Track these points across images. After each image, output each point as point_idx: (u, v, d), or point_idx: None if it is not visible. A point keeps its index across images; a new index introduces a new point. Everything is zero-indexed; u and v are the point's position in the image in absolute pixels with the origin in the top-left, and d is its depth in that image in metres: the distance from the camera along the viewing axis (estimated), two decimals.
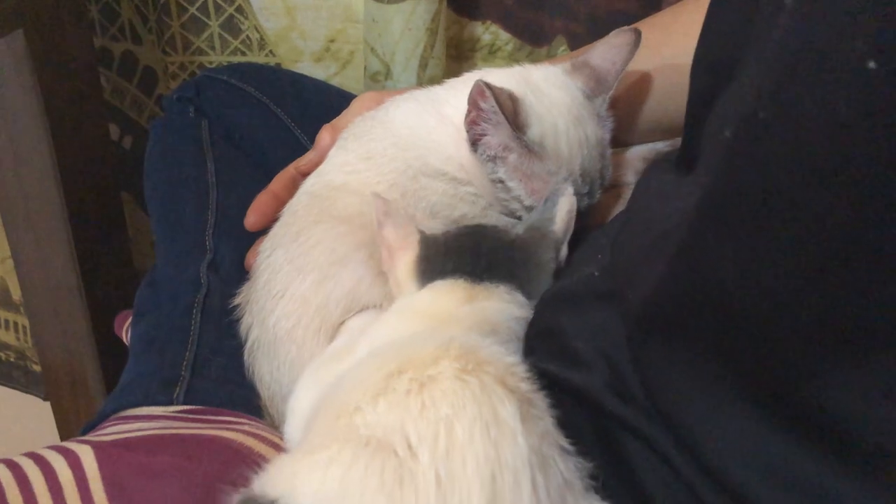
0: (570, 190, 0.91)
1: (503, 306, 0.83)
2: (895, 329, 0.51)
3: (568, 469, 0.64)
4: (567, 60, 1.06)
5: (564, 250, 0.90)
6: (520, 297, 0.85)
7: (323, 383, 0.77)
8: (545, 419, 0.66)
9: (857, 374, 0.53)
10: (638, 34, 1.01)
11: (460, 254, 0.85)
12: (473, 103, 0.93)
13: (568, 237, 0.90)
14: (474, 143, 0.96)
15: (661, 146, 1.13)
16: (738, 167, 0.56)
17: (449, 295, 0.82)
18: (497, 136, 0.94)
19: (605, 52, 1.02)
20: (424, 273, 0.84)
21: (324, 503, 0.59)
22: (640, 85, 1.09)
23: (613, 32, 1.03)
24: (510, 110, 0.92)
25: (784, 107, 0.52)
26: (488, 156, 0.95)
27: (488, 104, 0.92)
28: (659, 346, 0.69)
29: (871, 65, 0.46)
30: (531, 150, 0.95)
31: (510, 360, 0.68)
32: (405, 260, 0.85)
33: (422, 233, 0.87)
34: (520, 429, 0.62)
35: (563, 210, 0.90)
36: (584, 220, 1.00)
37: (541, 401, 0.67)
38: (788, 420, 0.58)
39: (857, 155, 0.48)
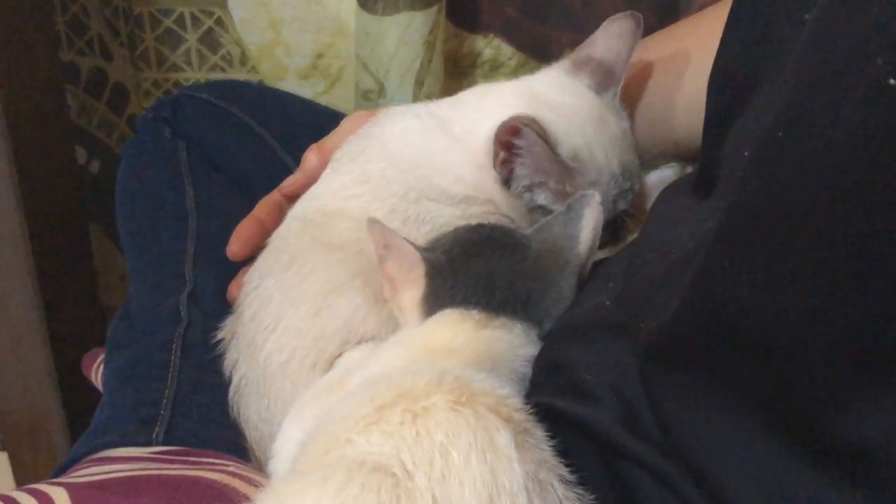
0: (597, 198, 0.91)
1: (512, 341, 0.86)
2: None
3: (568, 498, 0.69)
4: (564, 58, 1.09)
5: (588, 267, 0.92)
6: (534, 336, 0.88)
7: (312, 418, 0.80)
8: (542, 448, 0.70)
9: (886, 402, 0.55)
10: (637, 19, 1.04)
11: (473, 282, 0.87)
12: (504, 143, 0.96)
13: (593, 256, 0.92)
14: (507, 181, 0.99)
15: (669, 172, 1.16)
16: (757, 188, 0.59)
17: (454, 326, 0.85)
18: (531, 166, 0.98)
19: (607, 42, 1.05)
20: (432, 308, 0.87)
21: None
22: (657, 103, 1.12)
23: (609, 20, 1.06)
24: (546, 138, 0.96)
25: (803, 125, 0.55)
26: (524, 187, 0.99)
27: (527, 140, 0.95)
28: (674, 379, 0.71)
29: (892, 82, 0.49)
30: (570, 168, 0.98)
31: (503, 392, 0.72)
32: (410, 296, 0.88)
33: (427, 263, 0.88)
34: (515, 456, 0.66)
35: (589, 227, 0.91)
36: (631, 226, 1.06)
37: (537, 431, 0.71)
38: (815, 454, 0.61)
39: (877, 174, 0.51)
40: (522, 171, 0.98)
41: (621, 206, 1.04)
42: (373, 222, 0.89)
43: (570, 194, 0.98)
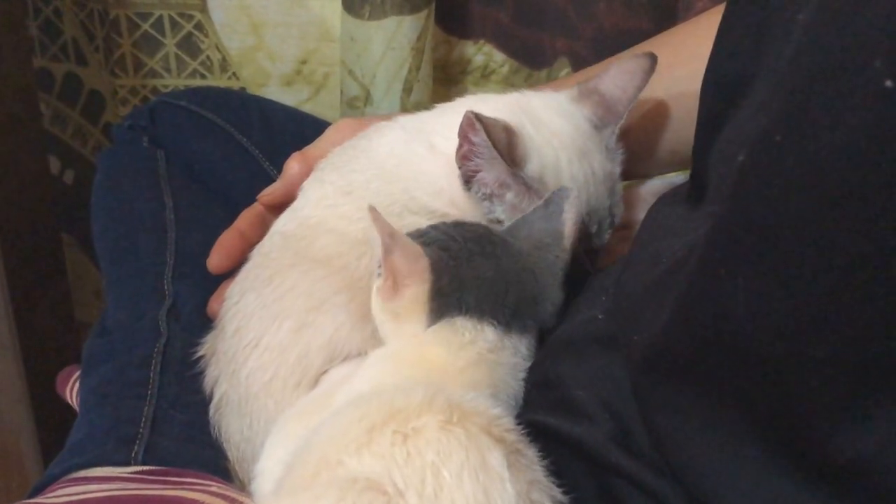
0: (574, 193, 0.93)
1: (516, 365, 0.88)
2: None
3: None
4: (572, 84, 1.09)
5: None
6: (533, 350, 0.90)
7: (297, 438, 0.81)
8: (534, 468, 0.72)
9: (885, 416, 0.57)
10: (654, 60, 1.05)
11: (481, 285, 0.87)
12: (464, 136, 0.96)
13: (573, 248, 0.93)
14: (468, 180, 0.99)
15: (678, 179, 1.17)
16: (751, 193, 0.61)
17: (457, 343, 0.86)
18: (492, 172, 0.98)
19: (617, 77, 1.06)
20: (437, 310, 0.86)
21: None
22: (654, 112, 1.13)
23: (627, 56, 1.07)
24: (504, 144, 0.96)
25: (798, 128, 0.56)
26: (484, 194, 0.99)
27: (479, 138, 0.95)
28: (668, 394, 0.73)
29: (889, 84, 0.51)
30: (529, 187, 0.98)
31: (495, 412, 0.74)
32: (413, 292, 0.86)
33: (431, 258, 0.87)
34: (507, 476, 0.68)
35: (571, 221, 0.92)
36: (592, 264, 1.05)
37: (529, 451, 0.73)
38: (811, 470, 0.62)
39: (875, 178, 0.52)
40: (483, 178, 0.98)
41: (581, 247, 1.02)
42: (373, 209, 0.86)
43: (525, 212, 0.98)
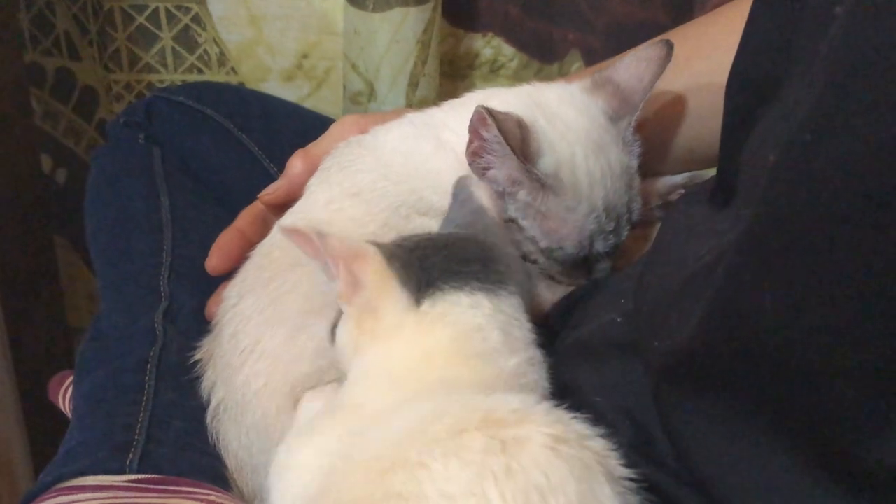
0: (474, 178, 0.92)
1: (527, 328, 0.82)
2: None
3: None
4: (587, 76, 1.09)
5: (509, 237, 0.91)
6: (524, 309, 0.83)
7: (335, 439, 0.78)
8: None
9: None
10: (670, 47, 1.04)
11: (434, 252, 0.81)
12: (475, 132, 0.96)
13: (501, 214, 0.91)
14: (479, 177, 0.98)
15: (698, 174, 1.16)
16: (783, 195, 0.60)
17: (470, 325, 0.78)
18: (503, 169, 0.97)
19: (631, 66, 1.05)
20: (408, 274, 0.79)
21: None
22: (671, 107, 1.12)
23: (643, 45, 1.06)
24: (517, 139, 0.95)
25: (834, 127, 0.56)
26: (496, 192, 0.98)
27: (491, 133, 0.94)
28: (691, 402, 0.72)
29: None
30: (544, 183, 0.98)
31: (604, 440, 0.68)
32: (371, 268, 0.79)
33: (373, 242, 0.82)
34: None
35: (485, 197, 0.89)
36: (609, 264, 1.04)
37: (635, 495, 0.68)
38: (847, 483, 0.61)
39: None
40: (494, 175, 0.98)
41: (599, 246, 1.02)
42: (286, 229, 0.82)
43: (542, 214, 0.99)
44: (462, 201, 0.90)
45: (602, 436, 0.68)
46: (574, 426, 0.67)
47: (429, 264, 0.79)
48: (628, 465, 0.74)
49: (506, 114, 0.95)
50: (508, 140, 0.94)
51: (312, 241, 0.80)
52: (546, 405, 0.68)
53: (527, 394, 0.74)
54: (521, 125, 0.97)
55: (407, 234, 0.84)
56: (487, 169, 0.98)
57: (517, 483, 0.61)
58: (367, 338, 0.80)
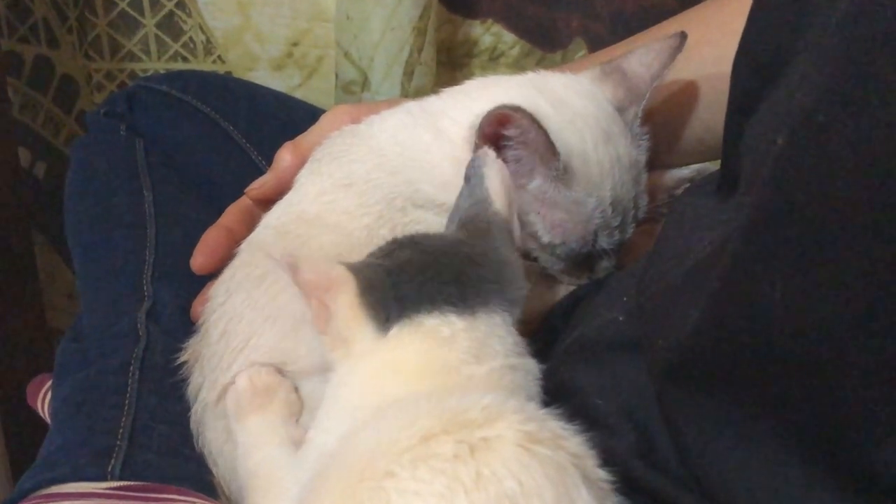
0: (490, 155, 0.90)
1: (506, 337, 0.81)
2: None
3: None
4: (593, 65, 1.09)
5: (516, 228, 0.89)
6: (508, 317, 0.82)
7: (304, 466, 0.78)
8: None
9: None
10: (683, 38, 1.04)
11: (413, 274, 0.80)
12: (489, 136, 0.96)
13: (514, 212, 0.89)
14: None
15: (706, 167, 1.16)
16: (791, 180, 0.60)
17: (437, 340, 0.77)
18: (519, 161, 0.98)
19: (641, 56, 1.06)
20: (377, 307, 0.79)
21: None
22: (680, 96, 1.12)
23: (654, 34, 1.07)
24: (543, 137, 0.95)
25: (844, 105, 0.56)
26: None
27: (518, 128, 0.95)
28: (695, 401, 0.72)
29: None
30: (557, 175, 0.98)
31: (579, 439, 0.68)
32: (343, 298, 0.79)
33: (345, 263, 0.82)
34: None
35: (495, 181, 0.88)
36: (612, 262, 1.05)
37: (613, 495, 0.68)
38: (858, 486, 0.62)
39: None
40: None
41: (603, 242, 1.03)
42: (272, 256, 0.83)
43: (550, 206, 0.99)
44: (472, 186, 0.89)
45: (578, 433, 0.67)
46: (548, 424, 0.66)
47: (402, 293, 0.79)
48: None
49: (515, 106, 0.95)
50: (540, 134, 0.94)
51: (282, 262, 0.80)
52: (518, 402, 0.68)
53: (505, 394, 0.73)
54: (532, 118, 0.96)
55: (392, 248, 0.84)
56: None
57: (488, 493, 0.60)
58: (341, 360, 0.81)
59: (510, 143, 0.97)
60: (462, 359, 0.76)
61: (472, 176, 0.89)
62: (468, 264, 0.81)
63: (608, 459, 0.75)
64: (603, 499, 0.65)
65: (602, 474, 0.66)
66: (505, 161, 0.96)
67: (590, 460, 0.66)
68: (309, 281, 0.80)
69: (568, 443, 0.65)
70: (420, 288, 0.79)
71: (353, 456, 0.67)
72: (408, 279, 0.79)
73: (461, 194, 0.91)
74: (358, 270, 0.80)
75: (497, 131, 0.96)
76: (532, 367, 0.80)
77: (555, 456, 0.63)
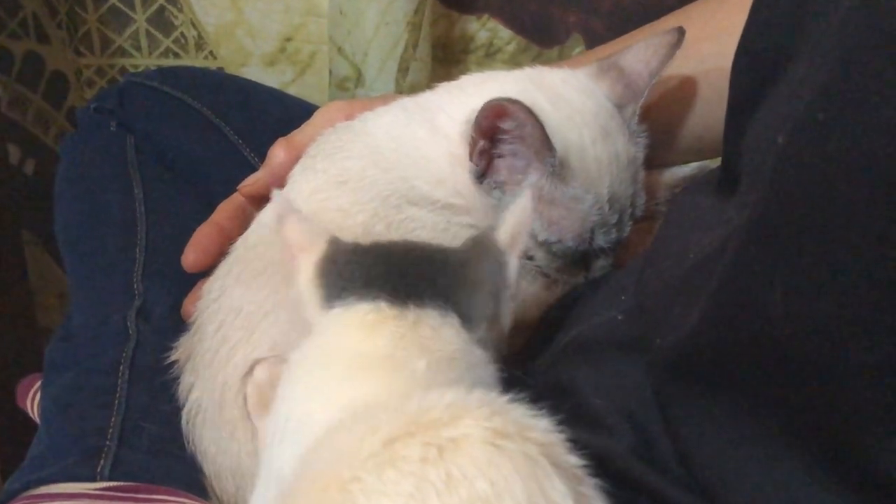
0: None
1: (448, 335, 0.79)
2: None
3: None
4: (590, 61, 1.09)
5: (513, 263, 0.86)
6: (454, 321, 0.80)
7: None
8: (598, 501, 0.66)
9: None
10: (681, 34, 1.04)
11: (374, 263, 0.81)
12: (486, 130, 0.96)
13: (519, 249, 0.86)
14: (482, 175, 0.99)
15: (706, 165, 1.17)
16: (791, 179, 0.60)
17: (372, 326, 0.77)
18: (515, 155, 0.98)
19: (639, 52, 1.06)
20: (329, 280, 0.80)
21: None
22: (678, 93, 1.12)
23: (652, 29, 1.07)
24: (539, 131, 0.95)
25: (843, 104, 0.56)
26: (496, 181, 0.99)
27: (515, 122, 0.94)
28: (695, 401, 0.72)
29: None
30: (554, 171, 0.98)
31: (544, 424, 0.66)
32: (309, 261, 0.81)
33: (333, 236, 0.83)
34: None
35: (513, 214, 0.86)
36: (608, 261, 1.04)
37: (588, 478, 0.66)
38: (861, 488, 0.62)
39: None
40: (502, 164, 0.98)
41: (600, 241, 1.02)
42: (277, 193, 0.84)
43: (548, 203, 0.99)
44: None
45: (544, 418, 0.66)
46: (513, 415, 0.65)
47: (351, 274, 0.79)
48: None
49: (513, 99, 0.94)
50: (536, 128, 0.94)
51: (281, 208, 0.81)
52: (480, 394, 0.66)
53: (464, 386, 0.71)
54: (529, 111, 0.96)
55: (388, 243, 0.84)
56: (491, 162, 0.99)
57: (460, 496, 0.59)
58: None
59: (506, 136, 0.96)
60: (389, 354, 0.75)
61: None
62: (425, 264, 0.81)
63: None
64: (577, 485, 0.64)
65: (573, 460, 0.65)
66: (500, 155, 0.97)
67: (558, 447, 0.65)
68: (290, 234, 0.81)
69: (534, 433, 0.64)
70: (366, 273, 0.79)
71: (315, 467, 0.66)
72: (365, 264, 0.80)
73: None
74: (333, 241, 0.81)
75: (494, 124, 0.95)
76: (479, 355, 0.78)
77: (523, 448, 0.62)
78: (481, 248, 0.84)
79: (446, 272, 0.81)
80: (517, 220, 0.85)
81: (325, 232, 0.82)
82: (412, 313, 0.77)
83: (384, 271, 0.79)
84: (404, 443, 0.62)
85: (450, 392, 0.66)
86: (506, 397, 0.68)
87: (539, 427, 0.65)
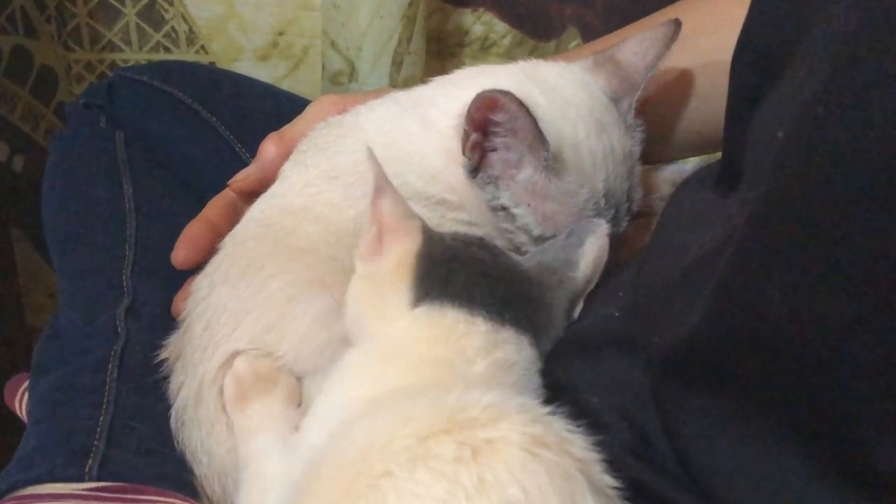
0: (603, 228, 0.92)
1: (528, 359, 0.82)
2: None
3: None
4: (586, 55, 1.08)
5: (580, 306, 0.91)
6: (535, 355, 0.84)
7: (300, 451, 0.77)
8: None
9: None
10: (678, 26, 1.04)
11: (472, 270, 0.83)
12: (478, 123, 0.96)
13: (589, 290, 0.91)
14: (475, 168, 0.99)
15: (701, 163, 1.16)
16: (793, 174, 0.60)
17: (462, 337, 0.79)
18: (508, 148, 0.97)
19: (635, 45, 1.05)
20: (424, 279, 0.81)
21: None
22: (676, 87, 1.12)
23: (648, 23, 1.07)
24: (533, 119, 0.94)
25: (843, 98, 0.56)
26: (490, 176, 0.99)
27: (507, 114, 0.94)
28: (693, 400, 0.72)
29: None
30: (548, 165, 0.98)
31: (588, 445, 0.67)
32: (401, 249, 0.82)
33: (424, 224, 0.84)
34: None
35: (591, 255, 0.90)
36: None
37: (621, 502, 0.67)
38: (861, 488, 0.61)
39: None
40: (495, 157, 0.98)
41: None
42: (370, 150, 0.84)
43: (541, 198, 0.98)
44: (569, 244, 0.92)
45: (583, 435, 0.67)
46: (554, 426, 0.66)
47: (450, 279, 0.81)
48: (622, 470, 0.74)
49: (505, 91, 0.94)
50: (528, 121, 0.94)
51: (376, 179, 0.83)
52: (521, 401, 0.68)
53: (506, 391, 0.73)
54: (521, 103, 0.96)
55: (473, 242, 0.87)
56: (484, 155, 0.98)
57: (490, 500, 0.59)
58: (364, 311, 0.83)
59: (498, 129, 0.96)
60: (467, 357, 0.77)
61: (573, 235, 0.91)
62: (522, 295, 0.84)
63: (604, 457, 0.75)
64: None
65: (608, 480, 0.66)
66: (493, 148, 0.97)
67: (596, 466, 0.65)
68: (383, 212, 0.82)
69: (574, 447, 0.65)
70: (468, 285, 0.81)
71: (345, 454, 0.67)
72: (464, 272, 0.81)
73: (554, 242, 0.93)
74: (430, 235, 0.83)
75: (485, 116, 0.95)
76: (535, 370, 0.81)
77: (561, 462, 0.62)
78: (560, 283, 0.88)
79: (533, 299, 0.84)
80: (593, 261, 0.90)
81: (416, 216, 0.83)
82: (505, 332, 0.80)
83: (488, 289, 0.82)
84: (438, 440, 0.62)
85: (490, 392, 0.66)
86: (547, 408, 0.68)
87: (579, 443, 0.65)
